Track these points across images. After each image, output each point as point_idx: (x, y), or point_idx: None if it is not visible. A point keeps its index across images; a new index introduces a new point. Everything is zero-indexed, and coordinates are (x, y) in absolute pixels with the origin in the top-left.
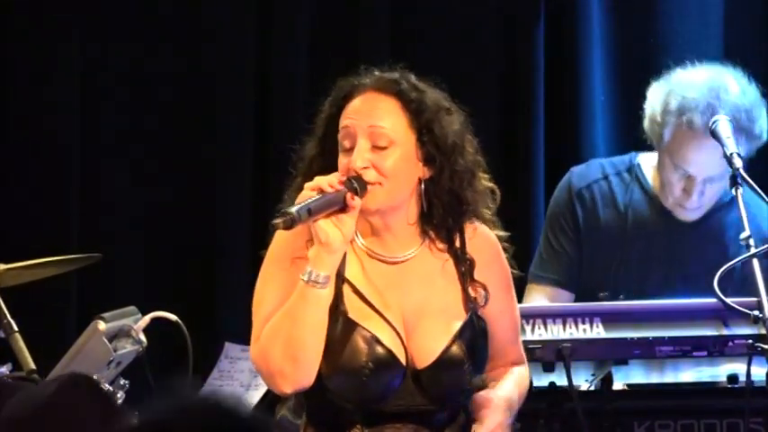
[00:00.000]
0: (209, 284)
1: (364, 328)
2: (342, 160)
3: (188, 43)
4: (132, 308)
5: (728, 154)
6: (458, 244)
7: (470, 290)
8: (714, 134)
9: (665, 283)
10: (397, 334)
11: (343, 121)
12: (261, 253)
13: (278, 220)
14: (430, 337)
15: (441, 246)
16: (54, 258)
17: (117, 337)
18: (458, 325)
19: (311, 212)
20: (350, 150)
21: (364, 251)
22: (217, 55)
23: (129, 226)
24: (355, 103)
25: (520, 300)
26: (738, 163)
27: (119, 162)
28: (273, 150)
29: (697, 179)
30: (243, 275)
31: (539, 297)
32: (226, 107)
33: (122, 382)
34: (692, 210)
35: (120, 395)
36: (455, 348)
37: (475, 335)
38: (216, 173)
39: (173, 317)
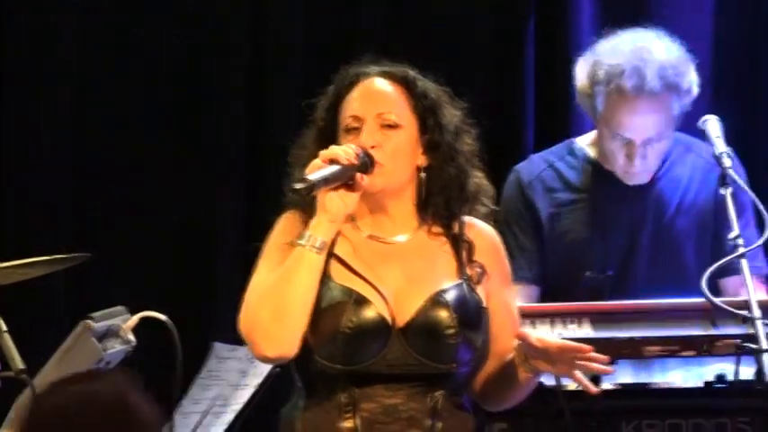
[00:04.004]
0: (198, 284)
1: (347, 287)
2: (346, 139)
3: (187, 43)
4: (121, 308)
5: (718, 154)
6: (456, 230)
7: (467, 268)
8: (703, 134)
9: (633, 246)
10: (382, 296)
11: (351, 104)
12: (255, 245)
13: (299, 186)
14: (417, 299)
15: (437, 230)
16: (43, 258)
17: (106, 336)
18: (445, 285)
19: (327, 183)
20: (354, 131)
21: (357, 231)
22: (217, 55)
23: (118, 225)
24: (363, 89)
25: None
26: (728, 162)
27: (113, 162)
28: (269, 149)
29: (636, 143)
30: (233, 275)
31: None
32: (224, 108)
33: None
34: (639, 173)
35: None
36: (438, 300)
37: (464, 298)
38: (209, 173)
39: (162, 316)
